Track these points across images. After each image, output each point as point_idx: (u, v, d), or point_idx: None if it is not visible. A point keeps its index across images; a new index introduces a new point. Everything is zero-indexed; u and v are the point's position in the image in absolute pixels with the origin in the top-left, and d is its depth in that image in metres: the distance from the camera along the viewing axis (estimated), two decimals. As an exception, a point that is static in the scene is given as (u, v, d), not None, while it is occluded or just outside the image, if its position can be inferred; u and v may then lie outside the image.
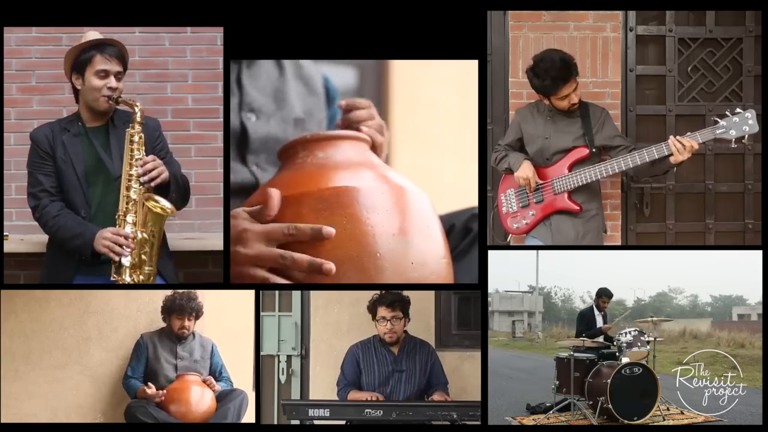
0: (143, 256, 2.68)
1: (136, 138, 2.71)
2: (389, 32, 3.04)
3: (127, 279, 2.66)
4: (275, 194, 1.94)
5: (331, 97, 2.76)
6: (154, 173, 2.68)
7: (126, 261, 2.65)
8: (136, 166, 2.68)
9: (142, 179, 2.68)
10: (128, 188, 2.68)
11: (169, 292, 3.01)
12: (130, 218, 2.67)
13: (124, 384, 3.00)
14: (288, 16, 3.02)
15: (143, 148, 2.72)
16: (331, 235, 1.88)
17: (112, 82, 2.73)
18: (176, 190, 2.77)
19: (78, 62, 2.74)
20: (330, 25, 3.02)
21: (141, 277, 2.68)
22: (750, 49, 3.60)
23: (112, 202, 2.74)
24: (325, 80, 2.75)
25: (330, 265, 1.86)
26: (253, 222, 1.94)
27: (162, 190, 2.74)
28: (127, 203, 2.68)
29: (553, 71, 2.97)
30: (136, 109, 2.72)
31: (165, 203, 2.69)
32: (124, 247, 2.64)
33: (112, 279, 2.67)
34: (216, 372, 3.06)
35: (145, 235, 2.67)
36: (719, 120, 2.90)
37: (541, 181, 3.13)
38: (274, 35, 3.01)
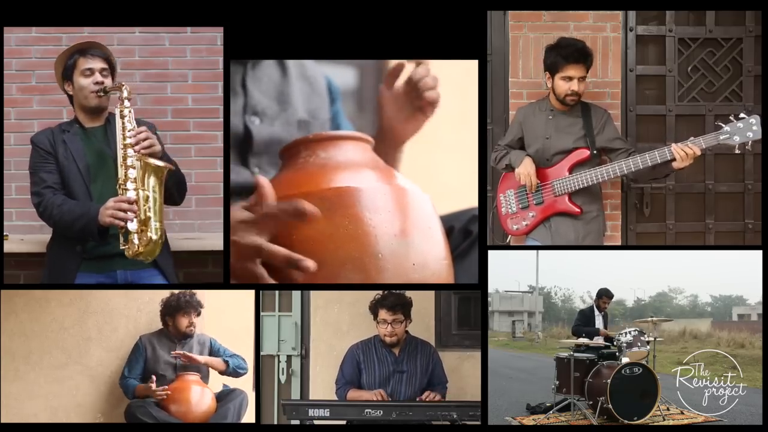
0: (147, 213, 2.67)
1: (126, 113, 2.75)
2: (389, 32, 3.04)
3: (135, 242, 2.64)
4: (263, 182, 1.90)
5: (333, 96, 2.76)
6: (146, 143, 2.71)
7: (132, 226, 2.64)
8: (129, 137, 2.72)
9: (135, 148, 2.70)
10: (125, 158, 2.70)
11: (167, 293, 3.01)
12: (130, 185, 2.68)
13: (121, 384, 3.00)
14: (288, 16, 3.02)
15: (134, 121, 2.76)
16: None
17: (97, 77, 2.82)
18: (174, 184, 2.81)
19: (65, 69, 2.84)
20: (330, 25, 3.02)
21: (149, 234, 2.66)
22: (750, 49, 3.60)
23: (112, 197, 2.73)
24: (327, 80, 2.75)
25: (309, 263, 1.80)
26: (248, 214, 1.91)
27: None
28: (125, 171, 2.70)
29: (569, 50, 3.03)
30: (124, 89, 2.77)
31: (161, 163, 2.72)
32: (128, 212, 2.64)
33: (121, 248, 2.66)
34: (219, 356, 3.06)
35: (146, 193, 2.68)
36: (723, 125, 2.91)
37: (542, 182, 3.13)
38: (274, 35, 3.01)
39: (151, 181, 2.69)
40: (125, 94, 2.77)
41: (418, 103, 2.30)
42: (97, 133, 2.87)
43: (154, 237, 2.66)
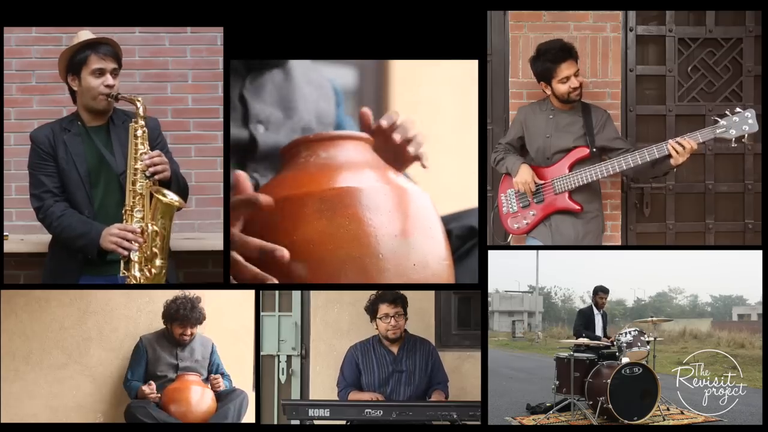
0: (154, 249, 2.67)
1: (139, 132, 2.70)
2: (389, 32, 3.04)
3: (137, 274, 2.65)
4: (240, 176, 1.94)
5: (338, 101, 2.76)
6: (159, 168, 2.68)
7: (134, 256, 2.64)
8: (141, 160, 2.67)
9: (147, 172, 2.67)
10: (134, 182, 2.67)
11: (170, 296, 3.00)
12: (137, 213, 2.66)
13: (125, 387, 2.99)
14: (288, 16, 3.02)
15: (147, 142, 2.71)
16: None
17: (108, 80, 2.73)
18: (176, 188, 2.77)
19: (73, 63, 2.74)
20: (330, 25, 3.02)
21: (153, 270, 2.66)
22: (750, 49, 3.60)
23: (113, 202, 2.74)
24: (332, 84, 2.75)
25: (282, 252, 1.83)
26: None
27: (163, 186, 2.73)
28: (134, 197, 2.67)
29: (552, 53, 3.04)
30: (138, 105, 2.71)
31: (173, 196, 2.68)
32: (132, 242, 2.64)
33: (121, 275, 2.65)
34: (215, 371, 3.05)
35: (156, 228, 2.66)
36: (719, 119, 2.92)
37: (542, 182, 3.13)
38: (274, 35, 3.01)
39: (161, 217, 2.66)
40: (140, 111, 2.70)
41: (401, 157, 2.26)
42: (100, 133, 2.80)
43: (156, 272, 2.67)
